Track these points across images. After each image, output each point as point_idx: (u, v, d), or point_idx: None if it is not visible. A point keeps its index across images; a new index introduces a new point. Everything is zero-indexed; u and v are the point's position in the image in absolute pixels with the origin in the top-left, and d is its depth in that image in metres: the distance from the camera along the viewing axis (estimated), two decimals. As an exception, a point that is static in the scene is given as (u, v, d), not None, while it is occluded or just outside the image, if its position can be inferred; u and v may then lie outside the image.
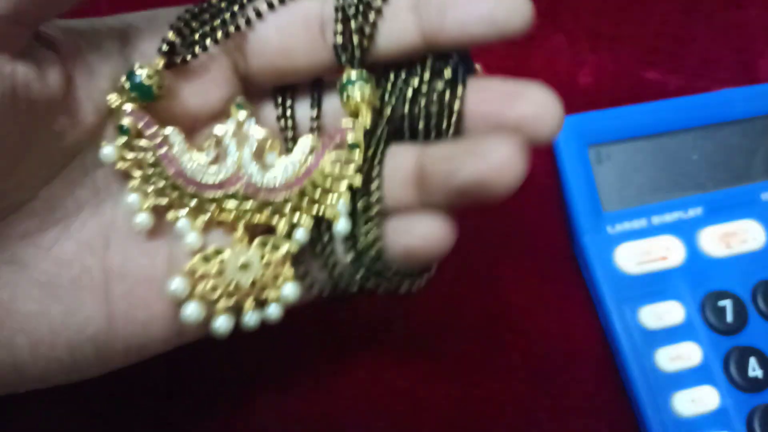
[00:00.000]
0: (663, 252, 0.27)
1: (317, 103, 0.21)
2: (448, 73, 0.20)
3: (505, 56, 0.34)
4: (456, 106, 0.20)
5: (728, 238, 0.28)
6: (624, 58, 0.34)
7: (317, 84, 0.21)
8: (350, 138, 0.20)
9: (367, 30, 0.20)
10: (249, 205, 0.21)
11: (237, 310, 0.21)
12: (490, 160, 0.18)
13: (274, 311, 0.21)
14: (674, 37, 0.35)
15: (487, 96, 0.20)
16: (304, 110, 0.22)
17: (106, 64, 0.19)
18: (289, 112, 0.22)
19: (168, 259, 0.20)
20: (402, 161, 0.20)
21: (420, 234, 0.20)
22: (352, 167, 0.21)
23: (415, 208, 0.20)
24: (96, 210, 0.20)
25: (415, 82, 0.20)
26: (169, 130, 0.20)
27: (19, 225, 0.19)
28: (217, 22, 0.20)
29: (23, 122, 0.18)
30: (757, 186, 0.29)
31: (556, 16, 0.35)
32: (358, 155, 0.20)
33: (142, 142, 0.20)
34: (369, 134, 0.21)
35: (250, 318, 0.21)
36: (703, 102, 0.29)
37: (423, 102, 0.20)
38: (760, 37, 0.34)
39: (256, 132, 0.21)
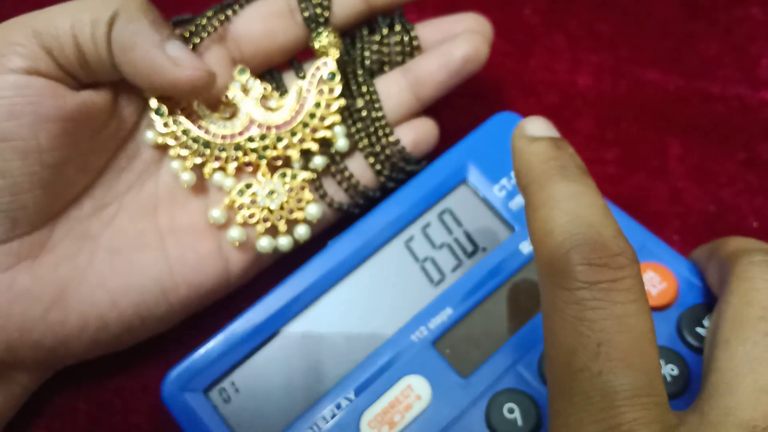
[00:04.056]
0: (323, 474, 0.23)
1: (299, 68, 0.27)
2: (398, 27, 0.28)
3: (504, 55, 0.34)
4: (416, 43, 0.28)
5: (389, 415, 0.23)
6: (624, 58, 0.34)
7: (294, 61, 0.28)
8: (326, 72, 0.26)
9: (325, 2, 0.26)
10: (265, 142, 0.26)
11: (274, 234, 0.26)
12: (471, 41, 0.26)
13: (303, 231, 0.26)
14: (675, 37, 0.34)
15: (431, 29, 0.28)
16: (289, 80, 0.28)
17: None
18: (278, 81, 0.27)
19: (205, 213, 0.26)
20: (393, 84, 0.27)
21: (421, 128, 0.27)
22: (336, 93, 0.26)
23: (411, 116, 0.27)
24: (141, 187, 0.26)
25: (377, 37, 0.28)
26: (194, 105, 0.26)
27: (85, 206, 0.25)
28: (204, 21, 0.26)
29: (90, 129, 0.24)
30: (406, 328, 0.24)
31: (555, 15, 0.35)
32: (337, 81, 0.26)
33: (176, 117, 0.25)
34: (349, 77, 0.27)
35: (284, 241, 0.26)
36: (316, 268, 0.25)
37: (387, 50, 0.28)
38: (762, 36, 0.34)
39: (257, 86, 0.26)
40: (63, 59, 0.22)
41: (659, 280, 0.23)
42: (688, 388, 0.21)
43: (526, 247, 0.25)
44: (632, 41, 0.34)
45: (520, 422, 0.21)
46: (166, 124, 0.25)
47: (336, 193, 0.27)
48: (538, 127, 0.20)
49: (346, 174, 0.27)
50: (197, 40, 0.26)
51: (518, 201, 0.26)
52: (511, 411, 0.22)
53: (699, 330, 0.22)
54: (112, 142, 0.25)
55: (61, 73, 0.23)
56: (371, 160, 0.27)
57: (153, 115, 0.25)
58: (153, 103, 0.25)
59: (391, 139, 0.27)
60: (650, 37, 0.34)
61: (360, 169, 0.27)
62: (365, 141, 0.27)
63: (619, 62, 0.34)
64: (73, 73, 0.23)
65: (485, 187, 0.26)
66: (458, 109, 0.32)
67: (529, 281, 0.25)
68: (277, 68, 0.28)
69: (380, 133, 0.27)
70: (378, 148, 0.27)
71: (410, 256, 0.25)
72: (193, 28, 0.26)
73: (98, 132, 0.24)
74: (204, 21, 0.26)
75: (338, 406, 0.23)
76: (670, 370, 0.22)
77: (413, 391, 0.23)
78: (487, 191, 0.26)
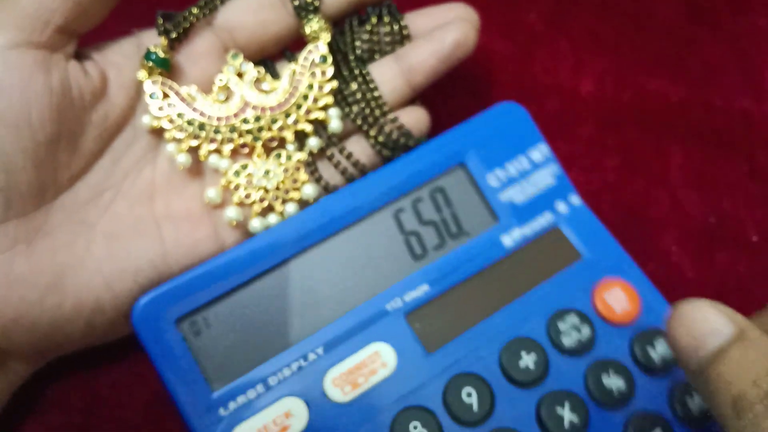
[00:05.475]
0: (282, 421, 0.24)
1: (291, 57, 0.28)
2: (387, 18, 0.28)
3: (507, 59, 0.34)
4: (406, 32, 0.28)
5: (354, 376, 0.24)
6: (627, 66, 0.33)
7: (287, 51, 0.28)
8: (317, 55, 0.27)
9: None
10: (260, 123, 0.26)
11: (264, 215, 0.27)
12: (461, 28, 0.27)
13: (291, 210, 0.26)
14: (678, 44, 0.34)
15: (421, 19, 0.29)
16: (282, 70, 0.28)
17: (129, 61, 0.26)
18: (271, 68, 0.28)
19: (201, 199, 0.26)
20: (386, 70, 0.28)
21: (414, 116, 0.28)
22: (327, 74, 0.27)
23: (403, 103, 0.28)
24: (138, 174, 0.26)
25: (367, 27, 0.28)
26: (189, 88, 0.26)
27: (82, 192, 0.25)
28: (196, 10, 0.26)
29: (78, 107, 0.24)
30: (382, 296, 0.25)
31: (559, 22, 0.34)
32: (328, 64, 0.27)
33: (170, 101, 0.26)
34: (340, 64, 0.28)
35: (275, 220, 0.26)
36: (304, 221, 0.25)
37: (377, 38, 0.28)
38: (767, 46, 0.33)
39: (251, 69, 0.27)
40: (50, 15, 0.23)
41: (625, 299, 0.25)
42: (632, 399, 0.23)
43: (506, 241, 0.26)
44: (636, 48, 0.34)
45: (475, 407, 0.23)
46: (160, 108, 0.26)
47: (332, 177, 0.27)
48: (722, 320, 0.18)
49: (344, 154, 0.27)
50: (187, 25, 0.26)
51: (508, 194, 0.27)
52: (469, 395, 0.23)
53: (649, 350, 0.24)
54: (104, 126, 0.25)
55: (51, 35, 0.23)
56: (372, 134, 0.27)
57: (147, 99, 0.26)
58: (147, 87, 0.26)
59: (390, 116, 0.27)
60: (654, 45, 0.34)
61: (357, 151, 0.28)
62: (363, 122, 0.27)
63: (622, 69, 0.34)
64: (63, 26, 0.24)
65: (480, 174, 0.27)
66: (460, 111, 0.32)
67: (504, 273, 0.26)
68: (269, 58, 0.28)
69: (377, 112, 0.27)
70: (377, 129, 0.27)
71: (397, 227, 0.26)
72: (183, 17, 0.26)
73: (86, 112, 0.25)
74: (195, 10, 0.26)
75: (305, 359, 0.24)
76: (617, 382, 0.24)
77: (380, 358, 0.24)
78: (480, 178, 0.27)
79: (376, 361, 0.24)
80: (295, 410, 0.23)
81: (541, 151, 0.27)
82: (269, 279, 0.25)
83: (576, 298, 0.25)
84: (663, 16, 0.35)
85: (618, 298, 0.25)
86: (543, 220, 0.26)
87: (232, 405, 0.23)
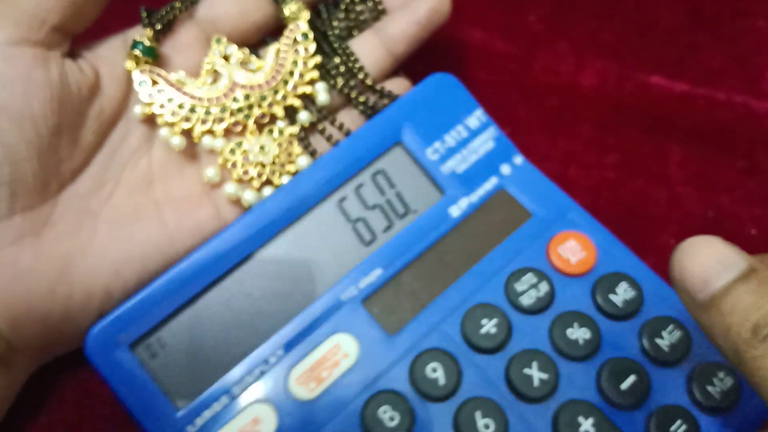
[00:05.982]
0: (251, 428, 0.23)
1: (271, 41, 0.29)
2: None
3: (508, 59, 0.34)
4: (381, 8, 0.30)
5: (317, 372, 0.24)
6: (627, 67, 0.34)
7: (268, 38, 0.29)
8: (299, 34, 0.28)
9: None
10: (250, 101, 0.27)
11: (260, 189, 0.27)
12: None
13: (286, 181, 0.27)
14: (679, 47, 0.34)
15: None
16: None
17: (118, 55, 0.27)
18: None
19: (199, 181, 0.27)
20: (366, 44, 0.29)
21: (397, 87, 0.29)
22: (311, 50, 0.28)
23: (387, 73, 0.29)
24: (135, 165, 0.27)
25: (342, 6, 0.30)
26: (177, 73, 0.27)
27: (84, 184, 0.26)
28: (178, 3, 0.27)
29: (76, 101, 0.25)
30: (336, 287, 0.25)
31: (559, 23, 0.35)
32: (311, 40, 0.28)
33: (160, 87, 0.27)
34: (321, 44, 0.29)
35: (270, 192, 0.27)
36: (245, 226, 0.25)
37: (353, 16, 0.30)
38: (767, 48, 0.34)
39: (236, 50, 0.28)
40: (46, 14, 0.24)
41: (580, 249, 0.24)
42: (599, 350, 0.23)
43: (454, 211, 0.26)
44: (636, 50, 0.34)
45: (442, 381, 0.23)
46: (150, 95, 0.26)
47: (324, 149, 0.28)
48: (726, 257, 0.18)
49: (336, 125, 0.28)
50: (171, 17, 0.27)
51: (450, 165, 0.26)
52: (434, 370, 0.23)
53: (611, 296, 0.24)
54: (100, 119, 0.26)
55: (47, 33, 0.24)
56: (362, 99, 0.28)
57: (137, 87, 0.26)
58: (136, 76, 0.26)
59: (374, 84, 0.28)
60: (654, 47, 0.34)
61: (347, 122, 0.28)
62: (350, 91, 0.28)
63: (622, 69, 0.34)
64: (59, 24, 0.25)
65: (419, 150, 0.26)
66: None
67: (456, 244, 0.25)
68: (252, 47, 0.29)
69: (362, 78, 0.28)
70: (365, 97, 0.28)
71: (342, 216, 0.26)
72: (166, 11, 0.27)
73: (84, 105, 0.25)
74: (178, 3, 0.27)
75: (267, 363, 0.23)
76: (583, 333, 0.23)
77: (341, 349, 0.23)
78: (420, 154, 0.26)
79: (337, 353, 0.23)
80: (263, 415, 0.23)
81: (477, 117, 0.27)
82: (219, 289, 0.24)
83: (531, 256, 0.25)
84: (663, 20, 0.35)
85: (573, 249, 0.24)
86: (489, 185, 0.26)
87: (198, 421, 0.23)
